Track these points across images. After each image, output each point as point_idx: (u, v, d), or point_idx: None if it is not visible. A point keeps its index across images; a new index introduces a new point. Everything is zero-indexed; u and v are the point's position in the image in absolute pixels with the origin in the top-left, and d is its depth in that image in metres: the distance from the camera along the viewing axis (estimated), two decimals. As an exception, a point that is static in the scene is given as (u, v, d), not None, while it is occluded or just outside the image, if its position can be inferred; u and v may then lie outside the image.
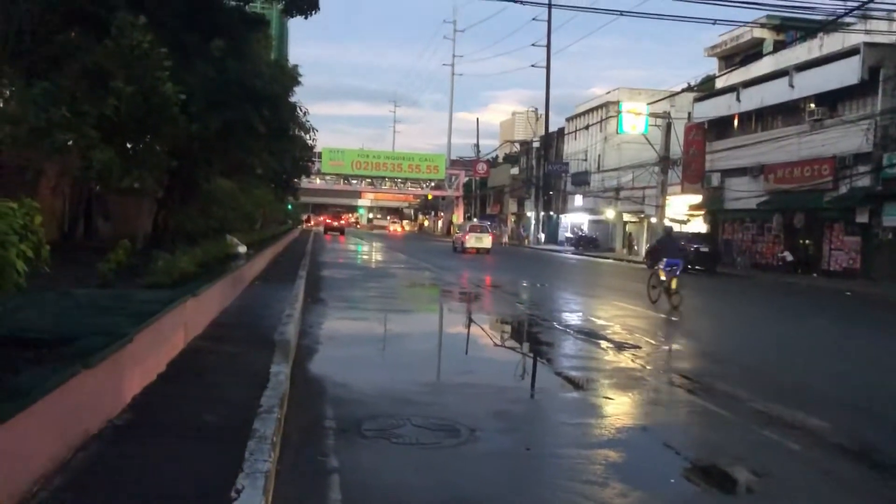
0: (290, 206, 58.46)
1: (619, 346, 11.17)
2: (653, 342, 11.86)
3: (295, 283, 16.05)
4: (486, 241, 42.06)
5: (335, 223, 72.92)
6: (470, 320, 14.97)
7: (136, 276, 9.44)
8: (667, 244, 17.93)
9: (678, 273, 16.69)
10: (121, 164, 11.46)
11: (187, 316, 8.26)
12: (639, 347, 11.13)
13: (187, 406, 5.89)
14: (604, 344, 11.39)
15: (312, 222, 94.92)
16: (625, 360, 10.10)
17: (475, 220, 59.87)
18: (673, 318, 14.98)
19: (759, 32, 35.90)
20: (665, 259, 17.08)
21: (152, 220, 17.04)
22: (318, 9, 15.40)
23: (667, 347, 11.82)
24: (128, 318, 6.46)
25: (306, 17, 15.51)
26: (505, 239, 71.78)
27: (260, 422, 5.38)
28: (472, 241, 41.55)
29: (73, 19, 11.90)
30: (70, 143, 10.03)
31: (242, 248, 15.97)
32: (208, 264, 11.82)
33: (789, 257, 32.30)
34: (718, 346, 12.30)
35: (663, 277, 16.87)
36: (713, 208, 38.20)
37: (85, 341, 5.27)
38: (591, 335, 12.25)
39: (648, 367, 9.58)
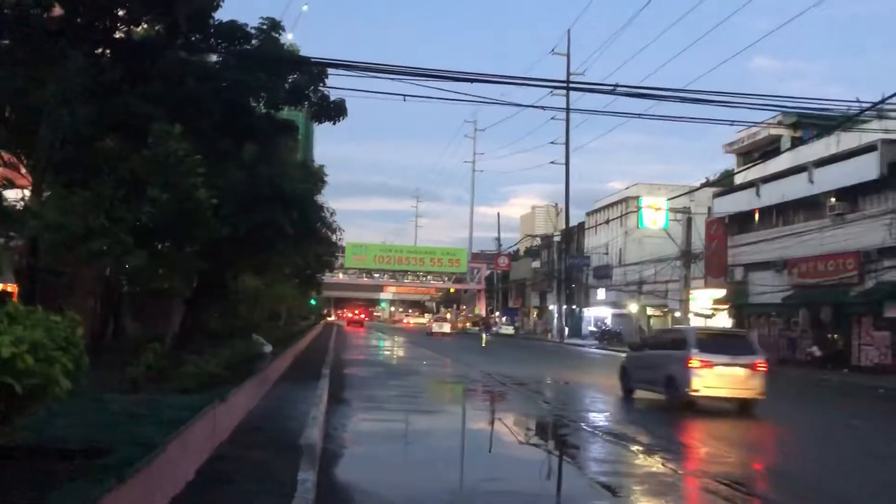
0: (313, 301, 58.85)
1: (650, 449, 10.96)
2: (685, 443, 11.61)
3: (319, 382, 16.04)
4: (446, 328, 63.32)
5: (355, 318, 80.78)
6: (494, 420, 14.78)
7: (165, 380, 9.51)
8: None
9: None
10: (152, 266, 11.74)
11: (216, 421, 8.28)
12: (669, 451, 10.91)
13: (216, 517, 5.85)
14: (634, 447, 11.18)
15: (334, 316, 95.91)
16: (655, 463, 9.90)
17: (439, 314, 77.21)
18: (700, 417, 14.66)
19: (775, 130, 36.47)
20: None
21: (180, 320, 17.23)
22: (346, 115, 15.95)
23: (700, 451, 11.56)
24: (158, 425, 6.50)
25: (334, 124, 16.05)
26: (533, 329, 71.63)
27: (289, 535, 5.33)
28: (435, 327, 62.86)
29: (113, 129, 12.43)
30: (105, 247, 10.31)
31: (268, 348, 16.03)
32: (235, 365, 11.89)
33: (818, 352, 31.77)
34: (749, 447, 12.02)
35: None
36: (738, 303, 37.93)
37: (117, 453, 5.31)
38: (619, 437, 12.04)
39: (680, 472, 9.37)
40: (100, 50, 14.21)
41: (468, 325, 75.87)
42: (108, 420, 6.74)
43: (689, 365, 15.24)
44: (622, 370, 18.80)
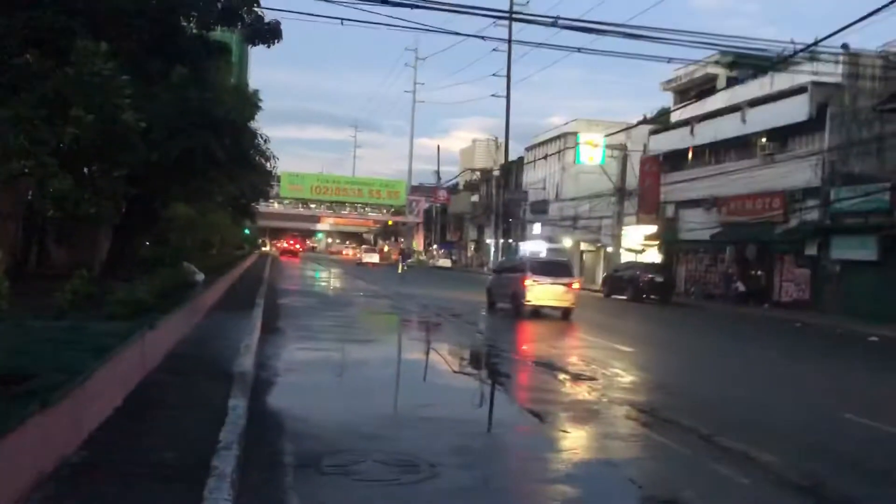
0: (246, 231, 58.04)
1: (576, 377, 11.33)
2: (608, 373, 12.02)
3: (252, 312, 15.97)
4: (375, 258, 69.81)
5: (290, 248, 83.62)
6: (429, 349, 15.04)
7: (93, 307, 9.33)
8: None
9: None
10: (78, 190, 11.34)
11: (145, 348, 8.19)
12: (595, 379, 11.29)
13: (144, 443, 5.84)
14: (561, 375, 11.54)
15: (269, 247, 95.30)
16: (582, 392, 10.25)
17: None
18: (628, 350, 15.22)
19: (712, 69, 36.88)
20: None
21: (108, 247, 16.80)
22: (281, 38, 15.46)
23: (623, 380, 12.01)
24: (86, 352, 6.40)
25: (269, 47, 15.54)
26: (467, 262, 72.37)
27: (219, 459, 5.37)
28: (365, 257, 69.43)
29: (33, 44, 11.78)
30: (27, 170, 9.90)
31: (200, 276, 15.85)
32: (166, 293, 11.72)
33: (741, 288, 32.99)
34: (673, 379, 12.54)
35: None
36: (668, 239, 38.90)
37: (41, 379, 5.22)
38: (548, 366, 12.39)
39: (604, 400, 9.74)
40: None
41: (398, 256, 77.75)
42: (32, 346, 6.60)
43: (525, 283, 20.91)
44: (487, 289, 24.59)
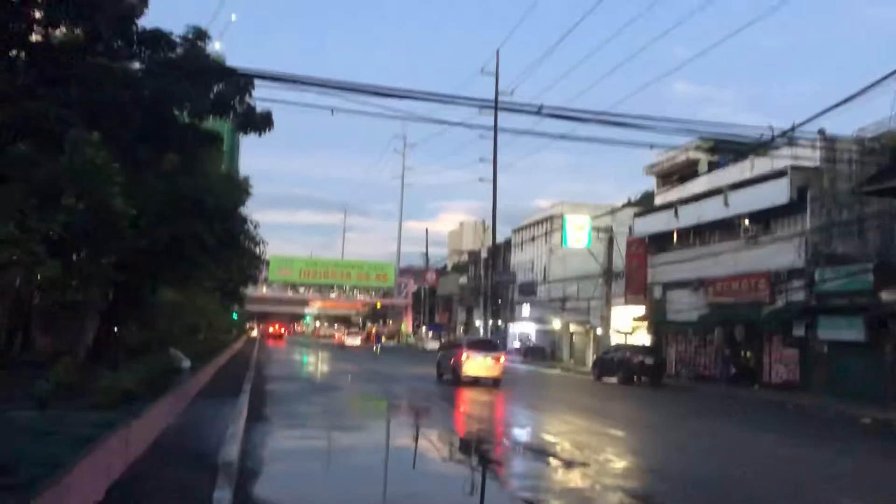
0: (234, 315, 57.76)
1: (568, 464, 11.15)
2: (600, 459, 11.84)
3: (238, 399, 15.74)
4: (357, 341, 69.08)
5: (276, 332, 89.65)
6: (418, 434, 14.78)
7: (77, 395, 9.20)
8: None
9: None
10: (66, 277, 11.34)
11: (129, 438, 8.04)
12: (587, 465, 11.11)
13: (126, 538, 5.68)
14: (553, 462, 11.35)
15: (257, 331, 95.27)
16: (574, 478, 10.08)
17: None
18: (620, 434, 15.02)
19: (693, 153, 37.76)
20: None
21: (94, 333, 16.66)
22: (273, 127, 15.76)
23: (616, 465, 11.82)
24: (67, 443, 6.28)
25: (260, 135, 15.83)
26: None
27: (202, 555, 5.22)
28: (347, 340, 69.46)
29: (28, 134, 12.00)
30: (15, 258, 9.92)
31: (186, 363, 15.69)
32: (151, 381, 11.57)
33: (731, 369, 32.86)
34: (666, 463, 12.35)
35: None
36: (657, 320, 38.95)
37: (20, 472, 5.11)
38: (540, 452, 12.20)
39: (598, 487, 9.57)
40: (13, 52, 13.70)
41: (373, 339, 78.23)
42: (12, 437, 6.47)
43: (461, 357, 25.22)
44: (437, 363, 28.25)
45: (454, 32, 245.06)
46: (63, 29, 14.47)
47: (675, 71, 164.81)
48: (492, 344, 28.64)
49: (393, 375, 30.32)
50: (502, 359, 26.46)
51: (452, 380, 25.48)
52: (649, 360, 33.41)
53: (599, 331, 44.12)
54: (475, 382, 25.11)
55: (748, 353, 32.97)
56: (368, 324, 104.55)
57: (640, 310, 40.09)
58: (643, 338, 39.84)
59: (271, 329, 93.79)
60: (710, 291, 34.47)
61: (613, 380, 33.13)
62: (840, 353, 27.46)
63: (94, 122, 12.10)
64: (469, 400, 21.85)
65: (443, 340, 56.66)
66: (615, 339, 41.32)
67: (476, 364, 25.16)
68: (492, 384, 25.15)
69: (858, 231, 29.26)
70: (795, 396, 26.71)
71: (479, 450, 13.12)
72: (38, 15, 13.58)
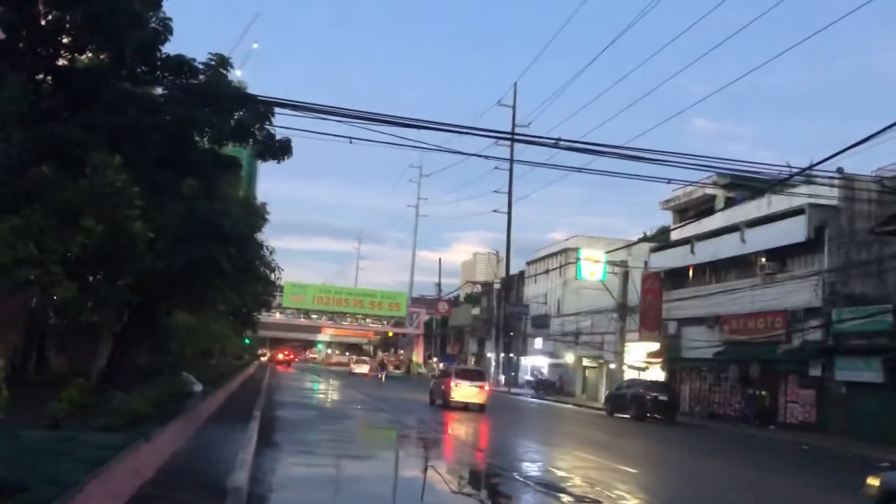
0: (247, 340, 57.80)
1: (580, 500, 10.99)
2: (612, 496, 11.68)
3: (249, 424, 15.68)
4: (365, 369, 68.30)
5: (285, 358, 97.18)
6: (427, 468, 14.65)
7: (89, 416, 9.20)
8: None
9: None
10: (82, 299, 11.40)
11: (139, 461, 8.01)
12: (599, 502, 10.95)
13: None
14: (564, 498, 11.20)
15: (269, 357, 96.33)
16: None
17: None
18: (632, 471, 14.82)
19: (710, 189, 37.68)
20: None
21: (108, 355, 16.71)
22: (291, 155, 15.90)
23: (628, 503, 11.64)
24: (77, 464, 6.27)
25: (279, 162, 15.97)
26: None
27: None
28: (355, 368, 69.07)
29: (50, 156, 12.15)
30: (33, 277, 9.99)
31: (198, 387, 15.68)
32: (162, 403, 11.57)
33: (754, 408, 32.42)
34: (679, 503, 12.15)
35: None
36: (671, 357, 38.60)
37: (32, 492, 5.10)
38: (551, 487, 12.05)
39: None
40: (41, 76, 13.95)
41: (392, 367, 78.14)
42: (25, 457, 6.47)
43: (450, 385, 28.10)
44: (430, 391, 31.28)
45: (473, 62, 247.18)
46: (89, 54, 14.74)
47: (693, 106, 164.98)
48: (479, 373, 31.74)
49: (388, 398, 33.20)
50: (486, 387, 29.79)
51: (442, 404, 28.34)
52: (663, 397, 33.05)
53: (613, 366, 43.78)
54: (465, 408, 27.99)
55: (763, 393, 32.55)
56: (379, 353, 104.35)
57: (655, 346, 39.76)
58: (657, 374, 39.46)
59: (280, 356, 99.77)
60: (726, 329, 34.18)
61: (626, 416, 32.77)
62: (858, 394, 27.10)
63: (116, 145, 12.24)
64: (478, 431, 21.66)
65: (445, 365, 57.29)
66: (628, 375, 40.96)
67: (463, 391, 28.19)
68: (478, 409, 27.97)
69: (878, 272, 29.00)
70: (812, 437, 26.30)
71: (489, 483, 12.97)
72: (65, 40, 13.84)
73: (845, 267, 29.18)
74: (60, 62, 14.22)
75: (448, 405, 27.95)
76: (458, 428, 22.25)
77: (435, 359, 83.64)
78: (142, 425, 8.94)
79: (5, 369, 11.96)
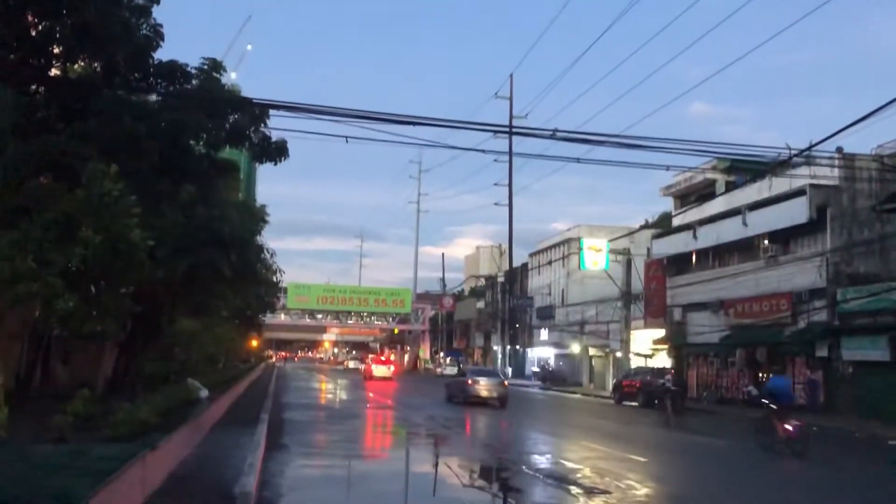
0: (253, 343, 57.90)
1: (590, 491, 10.97)
2: (622, 486, 11.66)
3: (256, 428, 15.66)
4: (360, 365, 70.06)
5: (287, 355, 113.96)
6: (437, 462, 14.64)
7: (94, 428, 9.18)
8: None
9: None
10: (84, 309, 11.38)
11: (146, 470, 8.00)
12: (609, 493, 10.93)
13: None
14: (574, 490, 11.18)
15: (275, 357, 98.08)
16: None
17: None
18: (642, 459, 14.79)
19: (711, 174, 37.55)
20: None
21: (113, 364, 16.70)
22: (288, 156, 15.86)
23: (638, 492, 11.62)
24: (83, 477, 6.24)
25: (276, 164, 15.93)
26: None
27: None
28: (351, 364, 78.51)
29: (47, 168, 12.13)
30: (33, 291, 9.96)
31: (204, 393, 15.65)
32: (168, 411, 11.55)
33: (754, 391, 32.30)
34: (690, 490, 12.13)
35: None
36: (677, 343, 38.54)
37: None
38: (561, 479, 12.03)
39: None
40: (33, 87, 13.91)
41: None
42: (29, 472, 6.44)
43: (469, 383, 29.71)
44: (447, 388, 32.55)
45: (468, 56, 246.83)
46: (81, 63, 14.70)
47: (691, 90, 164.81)
48: (493, 372, 34.52)
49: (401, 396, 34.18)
50: (503, 383, 31.07)
51: (462, 399, 29.64)
52: (670, 384, 32.97)
53: (619, 354, 43.74)
54: (484, 403, 28.89)
55: (771, 375, 32.43)
56: (386, 350, 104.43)
57: (660, 332, 39.70)
58: (663, 361, 39.40)
59: (283, 355, 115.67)
60: (731, 313, 34.09)
61: (634, 404, 32.72)
62: (865, 373, 27.03)
63: (111, 154, 12.20)
64: (488, 426, 21.66)
65: (461, 366, 57.17)
66: (635, 363, 40.93)
67: (481, 387, 29.63)
68: (499, 405, 28.85)
69: (880, 250, 28.91)
70: (820, 418, 26.23)
71: (500, 477, 12.96)
72: (56, 50, 13.80)
73: (848, 246, 29.09)
74: (53, 72, 14.18)
75: (468, 400, 28.85)
76: (472, 422, 22.22)
77: (441, 354, 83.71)
78: (148, 434, 8.92)
79: (10, 383, 11.97)
